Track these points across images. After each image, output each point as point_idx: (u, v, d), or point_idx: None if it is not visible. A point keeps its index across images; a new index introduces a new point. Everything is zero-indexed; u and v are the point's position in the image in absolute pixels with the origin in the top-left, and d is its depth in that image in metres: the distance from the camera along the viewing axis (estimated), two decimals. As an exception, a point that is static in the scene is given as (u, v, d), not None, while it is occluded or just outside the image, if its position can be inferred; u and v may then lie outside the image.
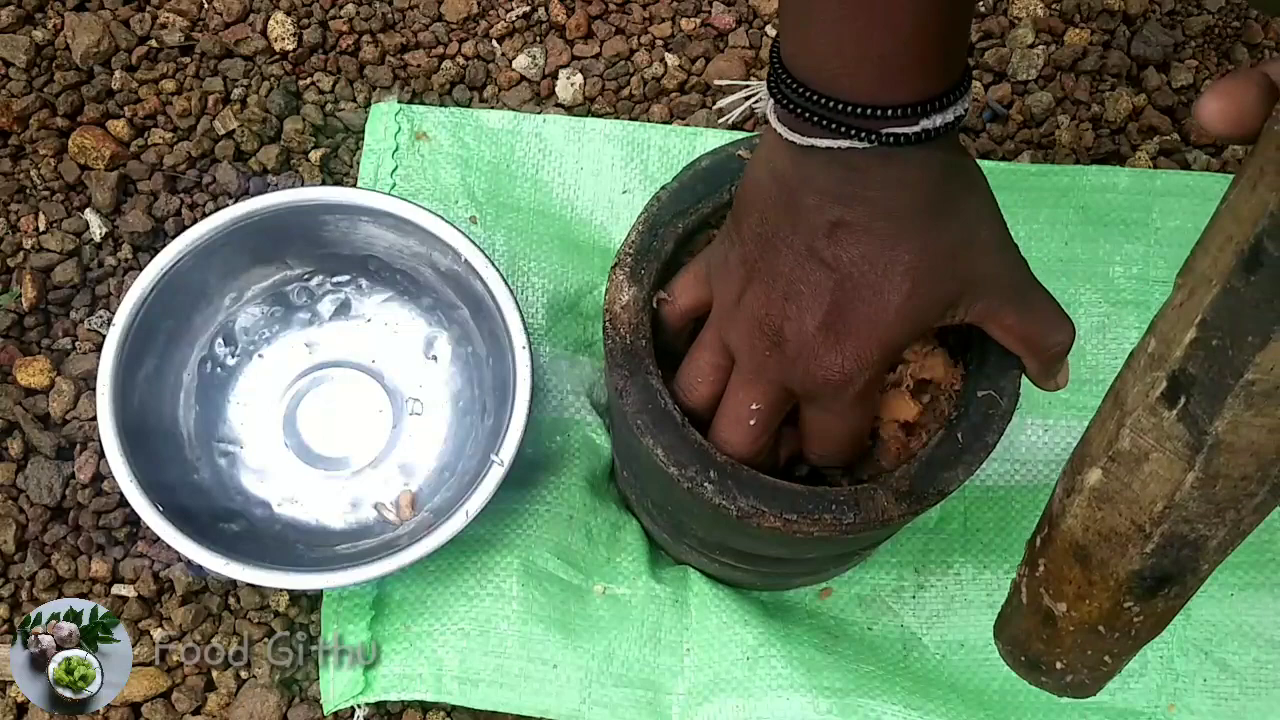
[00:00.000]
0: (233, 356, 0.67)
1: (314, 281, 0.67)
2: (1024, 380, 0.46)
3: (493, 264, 0.61)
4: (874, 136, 0.35)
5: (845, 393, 0.41)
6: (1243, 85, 0.29)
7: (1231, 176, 0.78)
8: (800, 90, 0.36)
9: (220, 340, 0.66)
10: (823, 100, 0.35)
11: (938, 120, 0.35)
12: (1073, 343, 0.43)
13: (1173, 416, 0.29)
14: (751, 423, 0.44)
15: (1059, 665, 0.36)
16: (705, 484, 0.44)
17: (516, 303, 0.60)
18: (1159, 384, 0.30)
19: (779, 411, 0.44)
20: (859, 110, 0.35)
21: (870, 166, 0.36)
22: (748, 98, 0.46)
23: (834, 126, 0.36)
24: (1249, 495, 0.29)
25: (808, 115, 0.36)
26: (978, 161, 0.42)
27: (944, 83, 0.36)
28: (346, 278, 0.67)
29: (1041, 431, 0.67)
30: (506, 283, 0.61)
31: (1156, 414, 0.30)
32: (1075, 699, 0.37)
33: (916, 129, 0.35)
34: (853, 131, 0.36)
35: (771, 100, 0.38)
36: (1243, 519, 0.30)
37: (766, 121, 0.39)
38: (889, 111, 0.35)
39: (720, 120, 0.47)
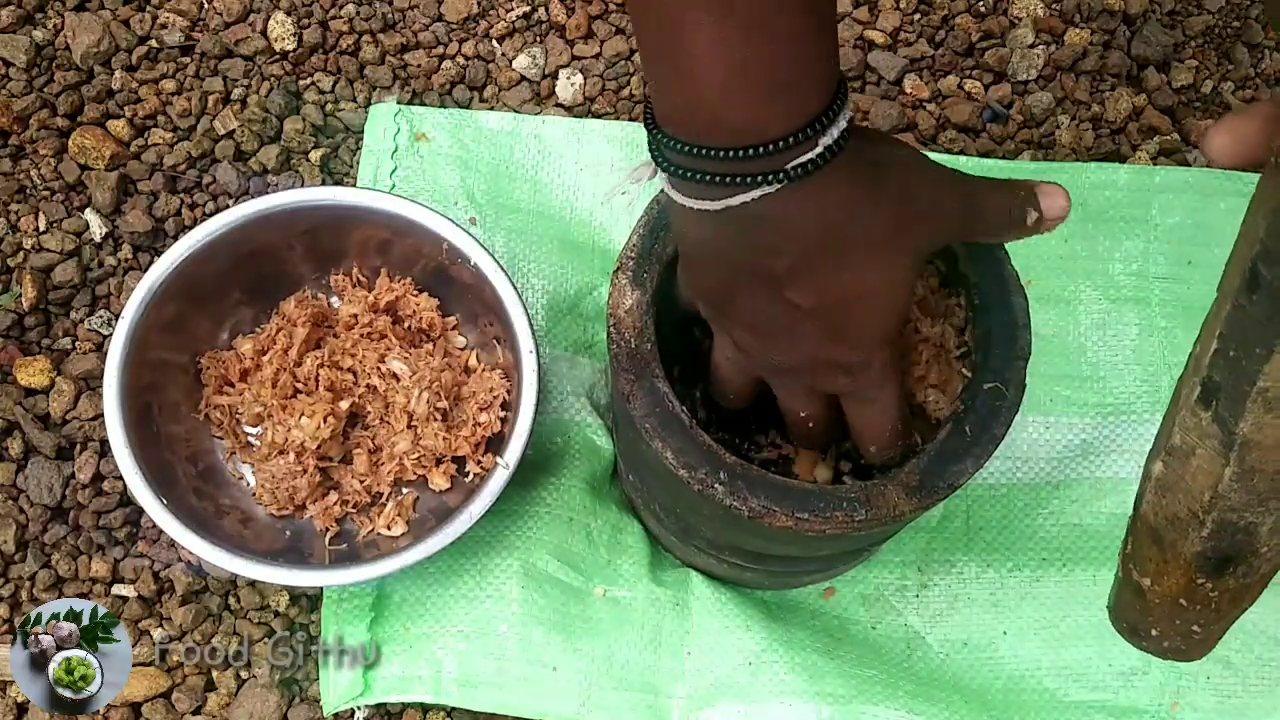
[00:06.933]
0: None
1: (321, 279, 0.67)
2: (1026, 379, 0.46)
3: (501, 268, 0.61)
4: (781, 175, 0.34)
5: (868, 375, 0.42)
6: (1247, 120, 0.31)
7: (1231, 174, 0.78)
8: (692, 151, 0.34)
9: (224, 335, 0.66)
10: (720, 153, 0.34)
11: (834, 132, 0.34)
12: (1031, 189, 0.41)
13: (1209, 418, 0.32)
14: (810, 425, 0.47)
15: (1154, 633, 0.39)
16: (715, 485, 0.44)
17: (524, 307, 0.60)
18: (1195, 388, 0.32)
19: (824, 400, 0.46)
20: (759, 150, 0.33)
21: (788, 205, 0.35)
22: (634, 180, 0.42)
23: (738, 180, 0.34)
24: None
25: (706, 177, 0.34)
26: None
27: (829, 91, 0.34)
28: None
29: (1043, 429, 0.67)
30: (515, 286, 0.61)
31: (1196, 415, 0.32)
32: (1179, 662, 0.41)
33: (818, 150, 0.34)
34: (759, 178, 0.34)
35: (662, 174, 0.37)
36: None
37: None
38: (790, 139, 0.33)
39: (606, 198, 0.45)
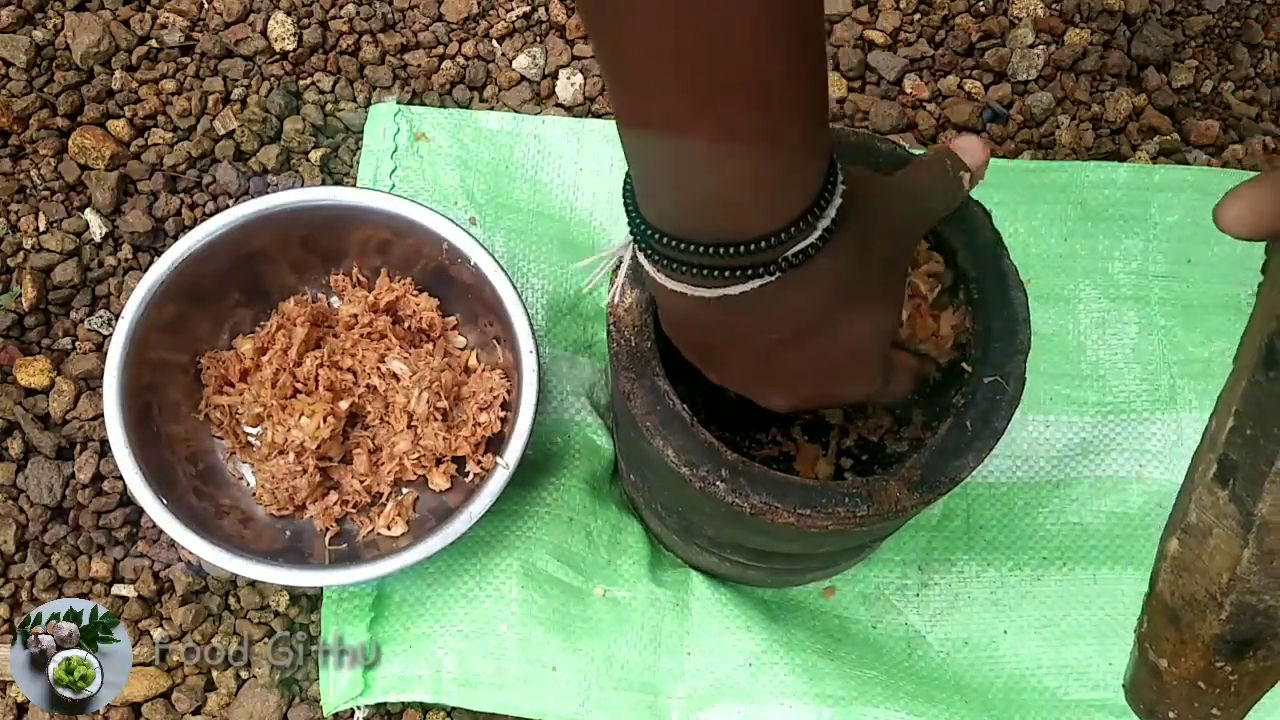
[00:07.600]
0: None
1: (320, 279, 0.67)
2: (1027, 375, 0.46)
3: (501, 268, 0.61)
4: (782, 262, 0.33)
5: (879, 394, 0.43)
6: (1264, 190, 0.30)
7: (1231, 172, 0.78)
8: (685, 248, 0.33)
9: (224, 335, 0.66)
10: (717, 251, 0.33)
11: (831, 213, 0.34)
12: (949, 152, 0.41)
13: (1225, 496, 0.31)
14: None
15: (1172, 715, 0.37)
16: (717, 483, 0.44)
17: (524, 307, 0.61)
18: (1212, 465, 0.31)
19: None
20: (758, 245, 0.33)
21: (783, 289, 0.35)
22: (615, 265, 0.42)
23: (735, 273, 0.33)
24: None
25: (702, 272, 0.34)
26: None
27: (825, 175, 0.34)
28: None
29: (1043, 427, 0.67)
30: (515, 286, 0.61)
31: (1213, 493, 0.31)
32: None
33: (816, 235, 0.33)
34: (757, 269, 0.33)
35: (648, 260, 0.36)
36: None
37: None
38: (789, 230, 0.33)
39: (586, 288, 0.44)
